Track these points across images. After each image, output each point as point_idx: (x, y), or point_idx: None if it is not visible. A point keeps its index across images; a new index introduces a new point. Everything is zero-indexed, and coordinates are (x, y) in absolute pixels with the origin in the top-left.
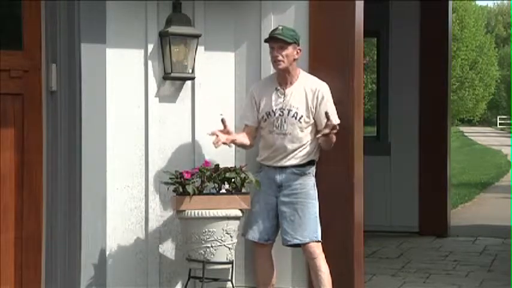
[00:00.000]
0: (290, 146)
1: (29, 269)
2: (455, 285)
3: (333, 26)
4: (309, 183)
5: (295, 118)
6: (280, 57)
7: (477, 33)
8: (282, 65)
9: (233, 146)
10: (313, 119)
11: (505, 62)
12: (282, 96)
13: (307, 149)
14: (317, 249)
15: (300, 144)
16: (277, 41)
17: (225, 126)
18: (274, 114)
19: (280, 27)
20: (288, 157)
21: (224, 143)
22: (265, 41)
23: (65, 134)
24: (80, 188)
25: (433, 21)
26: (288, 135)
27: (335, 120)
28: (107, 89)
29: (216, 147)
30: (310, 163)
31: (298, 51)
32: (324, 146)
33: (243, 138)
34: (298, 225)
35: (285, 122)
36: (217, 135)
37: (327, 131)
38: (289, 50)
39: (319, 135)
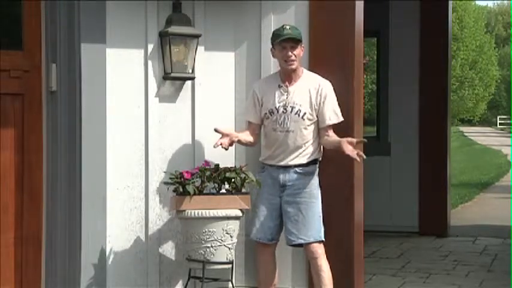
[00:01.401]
0: (293, 144)
1: (29, 268)
2: (455, 285)
3: (333, 26)
4: (312, 183)
5: (299, 115)
6: (293, 57)
7: (477, 33)
8: (295, 65)
9: (233, 145)
10: (316, 116)
11: (505, 62)
12: (285, 94)
13: (311, 148)
14: (319, 249)
15: (303, 142)
16: (289, 41)
17: (221, 133)
18: (277, 112)
19: (288, 27)
20: (291, 156)
21: (230, 145)
22: (278, 41)
23: (65, 134)
24: (80, 188)
25: (433, 21)
26: (291, 133)
27: (339, 118)
28: (107, 89)
29: (223, 147)
30: (313, 162)
31: (303, 49)
32: (325, 145)
33: (247, 136)
34: (302, 225)
35: (288, 119)
36: (221, 144)
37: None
38: (299, 48)
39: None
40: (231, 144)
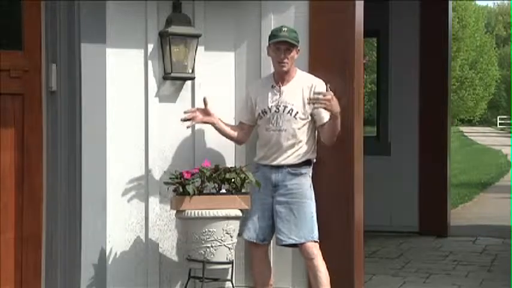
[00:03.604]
0: (286, 143)
1: (29, 269)
2: (455, 285)
3: (333, 26)
4: (305, 183)
5: (291, 114)
6: (286, 60)
7: (477, 33)
8: (287, 67)
9: (233, 145)
10: (311, 115)
11: (505, 62)
12: (278, 93)
13: (304, 148)
14: (315, 250)
15: (296, 141)
16: (285, 44)
17: (205, 104)
18: (270, 111)
19: (285, 29)
20: (284, 155)
21: (204, 122)
22: (273, 41)
23: (65, 134)
24: (80, 188)
25: (433, 21)
26: (283, 132)
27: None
28: (107, 89)
29: (187, 126)
30: (306, 163)
31: (298, 51)
32: (328, 137)
33: (228, 128)
34: (293, 225)
35: (280, 118)
36: (194, 111)
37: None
38: (294, 52)
39: (313, 104)
40: (204, 122)
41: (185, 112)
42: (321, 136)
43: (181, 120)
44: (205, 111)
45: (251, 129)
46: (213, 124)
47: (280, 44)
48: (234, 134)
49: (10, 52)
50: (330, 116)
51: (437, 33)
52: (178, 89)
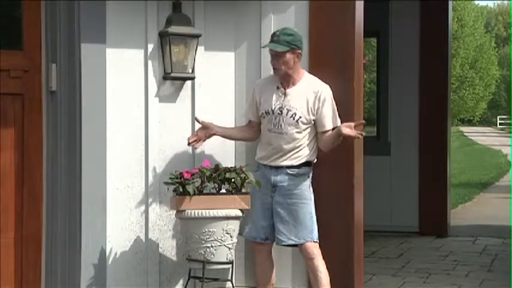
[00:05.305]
0: (286, 146)
1: (29, 269)
2: (455, 285)
3: (333, 26)
4: (304, 184)
5: (293, 119)
6: (277, 65)
7: (477, 32)
8: (280, 72)
9: (233, 145)
10: (313, 121)
11: (505, 62)
12: (283, 96)
13: (304, 150)
14: (315, 250)
15: (296, 145)
16: (272, 50)
17: (201, 124)
18: (273, 113)
19: (278, 33)
20: (284, 157)
21: (208, 137)
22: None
23: (65, 134)
24: (80, 188)
25: (433, 21)
26: (284, 135)
27: (336, 124)
28: (107, 89)
29: (195, 147)
30: (306, 164)
31: (298, 54)
32: (325, 145)
33: (239, 132)
34: (293, 226)
35: (282, 121)
36: (194, 142)
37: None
38: (286, 56)
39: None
40: (209, 137)
41: (188, 139)
42: (319, 142)
43: (188, 145)
44: (204, 127)
45: (259, 125)
46: (215, 134)
47: (270, 50)
48: (243, 135)
49: (10, 52)
50: (334, 128)
51: (437, 33)
52: (178, 89)
